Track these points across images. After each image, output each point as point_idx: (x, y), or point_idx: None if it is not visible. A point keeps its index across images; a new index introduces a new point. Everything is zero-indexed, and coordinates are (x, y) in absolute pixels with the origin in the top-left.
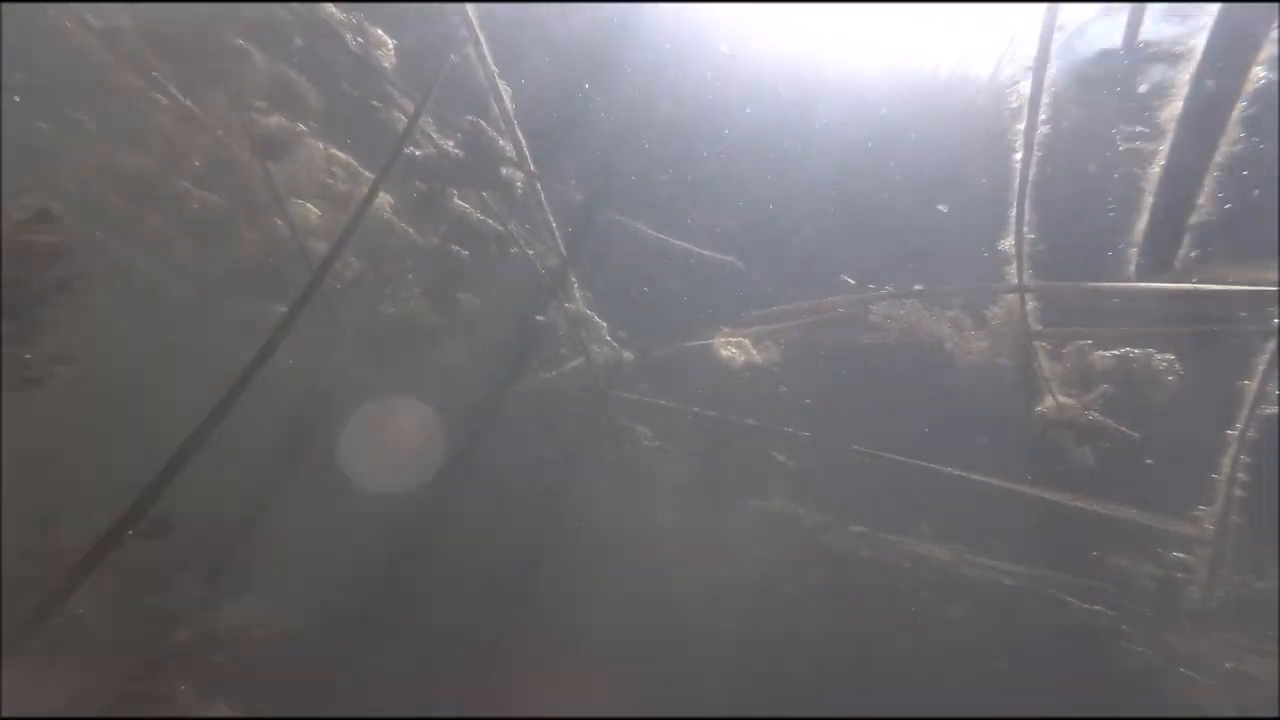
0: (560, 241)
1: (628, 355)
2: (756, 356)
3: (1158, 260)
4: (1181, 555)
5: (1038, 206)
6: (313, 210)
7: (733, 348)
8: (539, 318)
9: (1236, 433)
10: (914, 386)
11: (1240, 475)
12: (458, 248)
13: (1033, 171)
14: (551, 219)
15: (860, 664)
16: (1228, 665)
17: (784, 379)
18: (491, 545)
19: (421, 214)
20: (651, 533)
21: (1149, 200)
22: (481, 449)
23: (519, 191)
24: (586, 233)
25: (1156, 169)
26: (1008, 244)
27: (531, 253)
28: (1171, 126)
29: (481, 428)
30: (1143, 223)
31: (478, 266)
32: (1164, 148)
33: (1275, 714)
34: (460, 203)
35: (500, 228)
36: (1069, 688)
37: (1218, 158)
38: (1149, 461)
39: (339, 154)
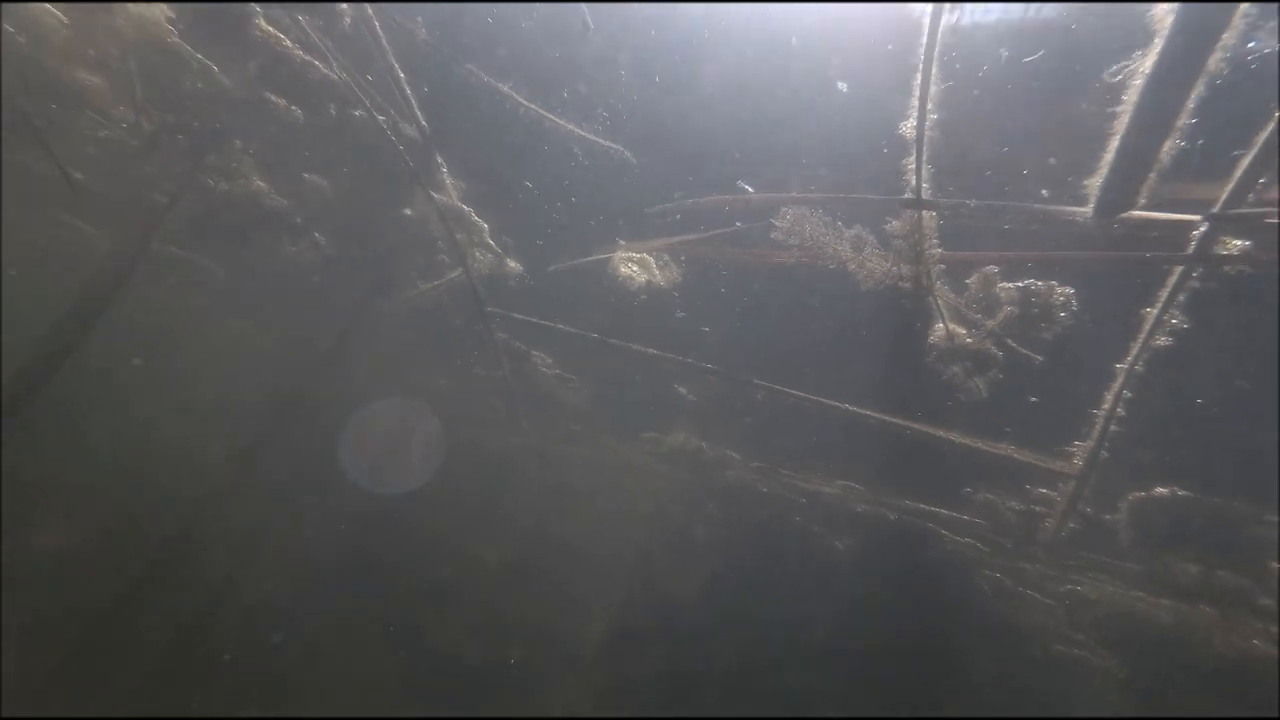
0: (415, 106)
1: (514, 265)
2: (657, 276)
3: (1120, 193)
4: (1046, 491)
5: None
6: (54, 15)
7: (633, 265)
8: (406, 211)
9: (1124, 366)
10: (815, 313)
11: (1120, 411)
12: (285, 102)
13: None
14: (398, 67)
15: (747, 591)
16: (1064, 588)
17: (684, 303)
18: (364, 483)
19: (218, 39)
20: (551, 466)
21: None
22: (353, 373)
23: (345, 19)
24: (446, 95)
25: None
26: (909, 127)
27: (383, 119)
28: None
29: (352, 347)
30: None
31: (319, 135)
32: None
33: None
34: (268, 27)
35: (333, 74)
36: (930, 610)
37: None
38: (1035, 399)
39: None
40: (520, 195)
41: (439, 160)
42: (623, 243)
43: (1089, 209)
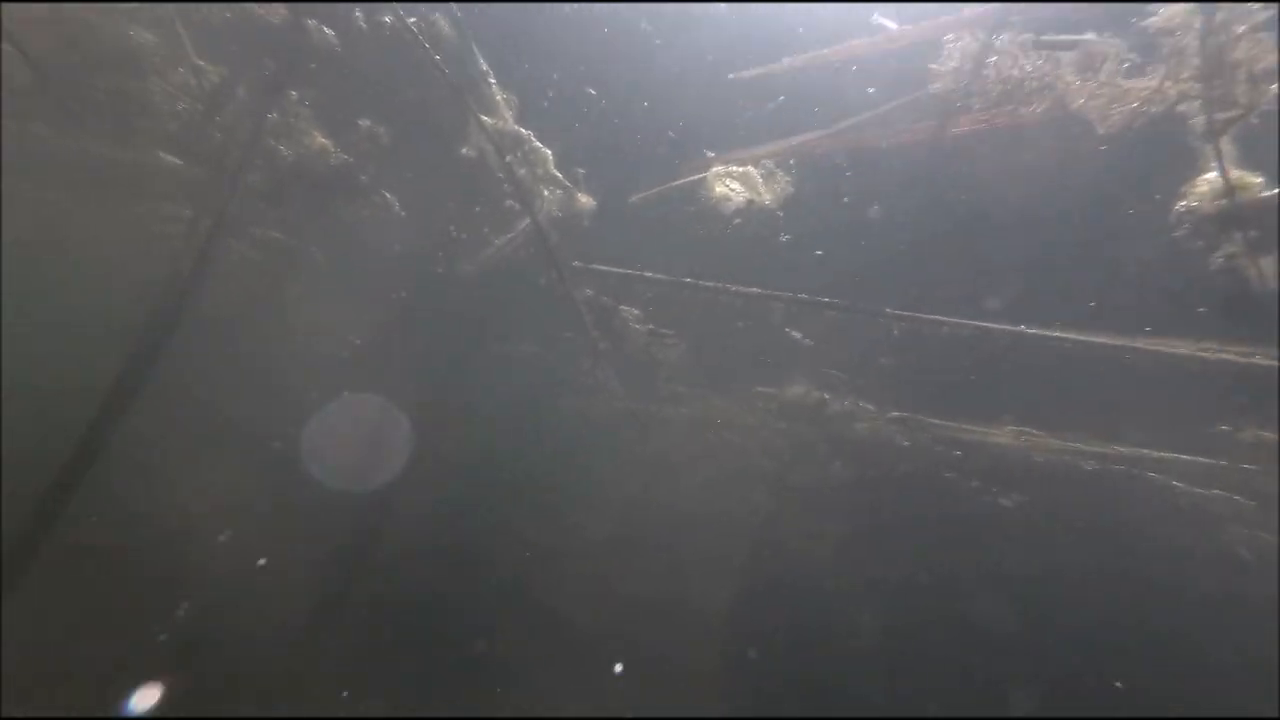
0: None
1: (586, 200)
2: (762, 192)
3: None
4: None
5: None
6: None
7: (731, 182)
8: (465, 151)
9: None
10: (999, 199)
11: None
12: (314, 22)
13: None
14: None
15: (885, 564)
16: None
17: (800, 222)
18: (463, 455)
19: None
20: (654, 431)
21: None
22: (431, 346)
23: None
24: None
25: None
26: None
27: (413, 21)
28: None
29: (428, 317)
30: None
31: (357, 65)
32: None
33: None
34: None
35: None
36: (1146, 577)
37: None
38: None
39: None
40: (583, 105)
41: (484, 66)
42: (712, 155)
43: None
